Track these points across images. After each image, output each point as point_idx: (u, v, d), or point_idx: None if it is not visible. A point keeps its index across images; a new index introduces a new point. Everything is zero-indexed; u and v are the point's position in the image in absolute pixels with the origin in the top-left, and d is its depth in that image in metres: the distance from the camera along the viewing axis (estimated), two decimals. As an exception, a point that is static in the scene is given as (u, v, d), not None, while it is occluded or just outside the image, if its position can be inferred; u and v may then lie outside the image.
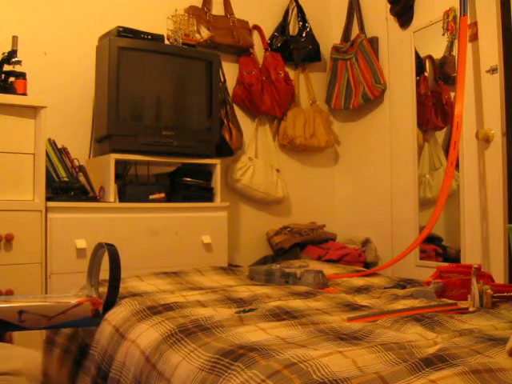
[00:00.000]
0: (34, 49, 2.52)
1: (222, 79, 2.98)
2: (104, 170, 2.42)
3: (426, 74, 2.88)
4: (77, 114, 2.66)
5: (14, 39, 2.23)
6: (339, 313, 1.36)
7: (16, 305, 1.33)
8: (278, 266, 1.93)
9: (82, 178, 2.50)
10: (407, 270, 2.73)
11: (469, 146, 2.49)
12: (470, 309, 1.41)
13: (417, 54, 2.86)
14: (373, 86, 3.03)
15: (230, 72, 3.06)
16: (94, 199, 2.39)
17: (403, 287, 1.76)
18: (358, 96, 3.10)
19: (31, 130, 2.16)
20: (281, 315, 1.29)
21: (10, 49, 2.21)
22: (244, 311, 1.35)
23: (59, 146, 2.46)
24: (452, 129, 2.33)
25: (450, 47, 2.64)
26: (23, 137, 2.14)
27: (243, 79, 3.05)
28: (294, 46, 3.24)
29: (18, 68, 2.21)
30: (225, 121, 2.92)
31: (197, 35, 2.79)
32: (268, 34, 3.25)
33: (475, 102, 2.47)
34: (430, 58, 2.83)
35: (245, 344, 1.05)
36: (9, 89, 2.17)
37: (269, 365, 0.93)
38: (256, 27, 3.21)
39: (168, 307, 1.37)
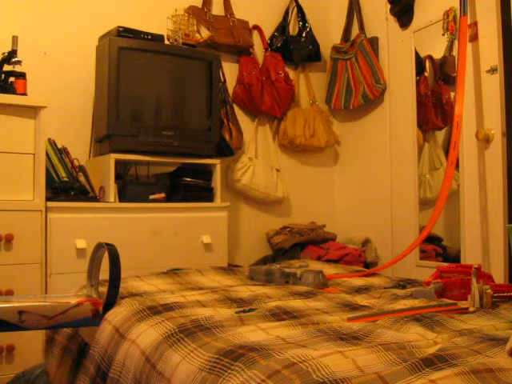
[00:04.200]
0: (34, 49, 2.52)
1: (222, 79, 2.98)
2: (104, 170, 2.42)
3: (426, 73, 2.88)
4: (77, 114, 2.66)
5: (14, 39, 2.23)
6: (339, 313, 1.36)
7: (16, 305, 1.33)
8: (278, 265, 1.93)
9: (82, 178, 2.49)
10: (407, 270, 2.73)
11: (469, 145, 2.49)
12: (470, 309, 1.41)
13: (417, 54, 2.86)
14: (373, 86, 3.03)
15: (230, 72, 3.06)
16: (94, 199, 2.39)
17: (403, 287, 1.76)
18: (358, 96, 3.10)
19: (31, 130, 2.16)
20: (281, 315, 1.29)
21: (10, 49, 2.21)
22: (244, 311, 1.35)
23: (59, 146, 2.46)
24: (452, 129, 2.33)
25: (450, 47, 2.64)
26: (23, 137, 2.14)
27: (243, 79, 3.05)
28: (294, 46, 3.24)
29: (18, 68, 2.21)
30: (225, 121, 2.92)
31: (197, 35, 2.79)
32: (268, 34, 3.25)
33: (475, 102, 2.47)
34: (430, 57, 2.83)
35: (245, 344, 1.05)
36: (9, 89, 2.17)
37: (269, 365, 0.93)
38: (256, 27, 3.21)
39: (168, 307, 1.37)
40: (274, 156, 3.21)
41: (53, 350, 1.53)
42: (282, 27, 3.26)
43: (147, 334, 1.23)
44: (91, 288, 1.55)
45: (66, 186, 2.35)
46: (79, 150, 2.61)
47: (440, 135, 2.83)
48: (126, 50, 2.42)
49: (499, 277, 2.26)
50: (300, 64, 3.35)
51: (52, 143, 2.43)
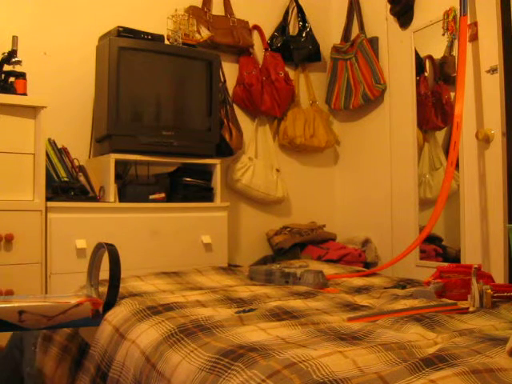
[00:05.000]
0: (34, 49, 2.52)
1: (222, 79, 2.98)
2: (104, 170, 2.42)
3: (426, 73, 2.88)
4: (77, 114, 2.66)
5: (14, 39, 2.23)
6: (339, 313, 1.36)
7: (16, 305, 1.33)
8: (278, 265, 1.93)
9: (82, 178, 2.49)
10: (407, 270, 2.73)
11: (469, 146, 2.49)
12: (470, 309, 1.41)
13: (417, 54, 2.86)
14: (373, 86, 3.03)
15: (230, 72, 3.06)
16: (94, 199, 2.39)
17: (403, 287, 1.76)
18: (358, 96, 3.10)
19: (31, 130, 2.16)
20: (281, 315, 1.29)
21: (10, 49, 2.21)
22: (244, 311, 1.35)
23: (59, 146, 2.46)
24: (452, 129, 2.33)
25: (450, 47, 2.64)
26: (23, 137, 2.14)
27: (243, 79, 3.05)
28: (294, 46, 3.24)
29: (18, 68, 2.21)
30: (225, 121, 2.92)
31: (197, 35, 2.79)
32: (268, 34, 3.25)
33: (475, 102, 2.47)
34: (430, 57, 2.83)
35: (245, 344, 1.05)
36: (9, 89, 2.17)
37: (269, 365, 0.93)
38: (256, 27, 3.21)
39: (168, 307, 1.37)
40: (274, 156, 3.21)
41: (50, 349, 1.52)
42: (282, 27, 3.26)
43: (147, 333, 1.23)
44: (91, 288, 1.55)
45: (66, 185, 2.35)
46: (79, 149, 2.61)
47: (440, 135, 2.83)
48: (126, 50, 2.42)
49: (499, 277, 2.26)
50: (300, 64, 3.35)
51: (52, 143, 2.43)
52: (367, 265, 2.99)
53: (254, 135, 3.16)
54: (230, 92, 3.08)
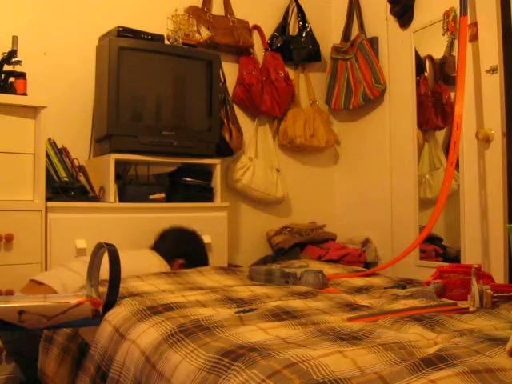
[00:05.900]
0: (34, 49, 2.52)
1: (222, 79, 2.98)
2: (104, 170, 2.42)
3: (426, 73, 2.88)
4: (77, 114, 2.66)
5: (14, 39, 2.22)
6: (339, 313, 1.36)
7: (16, 305, 1.33)
8: (278, 265, 1.93)
9: (82, 178, 2.49)
10: (407, 270, 2.73)
11: (469, 145, 2.49)
12: (470, 309, 1.42)
13: (417, 54, 2.86)
14: (373, 86, 3.03)
15: (230, 72, 3.06)
16: (94, 199, 2.39)
17: (403, 287, 1.76)
18: (358, 96, 3.10)
19: (31, 129, 2.15)
20: (281, 315, 1.29)
21: (10, 49, 2.21)
22: (244, 311, 1.35)
23: (59, 146, 2.46)
24: (452, 129, 2.34)
25: (450, 47, 2.64)
26: (23, 137, 2.14)
27: (243, 79, 3.05)
28: (294, 46, 3.24)
29: (18, 68, 2.21)
30: (225, 121, 2.92)
31: (197, 35, 2.79)
32: (268, 34, 3.25)
33: (475, 102, 2.47)
34: (430, 57, 2.83)
35: (245, 344, 1.05)
36: (9, 89, 2.17)
37: (269, 365, 0.93)
38: (256, 27, 3.21)
39: (168, 307, 1.37)
40: (274, 156, 3.21)
41: (51, 349, 1.52)
42: (282, 27, 3.26)
43: (147, 334, 1.23)
44: (91, 288, 1.55)
45: (66, 186, 2.35)
46: (79, 150, 2.61)
47: (440, 135, 2.83)
48: (126, 50, 2.42)
49: (499, 277, 2.26)
50: (300, 64, 3.35)
51: (52, 143, 2.43)
52: (367, 265, 2.99)
53: (254, 135, 3.16)
54: (230, 92, 3.08)
